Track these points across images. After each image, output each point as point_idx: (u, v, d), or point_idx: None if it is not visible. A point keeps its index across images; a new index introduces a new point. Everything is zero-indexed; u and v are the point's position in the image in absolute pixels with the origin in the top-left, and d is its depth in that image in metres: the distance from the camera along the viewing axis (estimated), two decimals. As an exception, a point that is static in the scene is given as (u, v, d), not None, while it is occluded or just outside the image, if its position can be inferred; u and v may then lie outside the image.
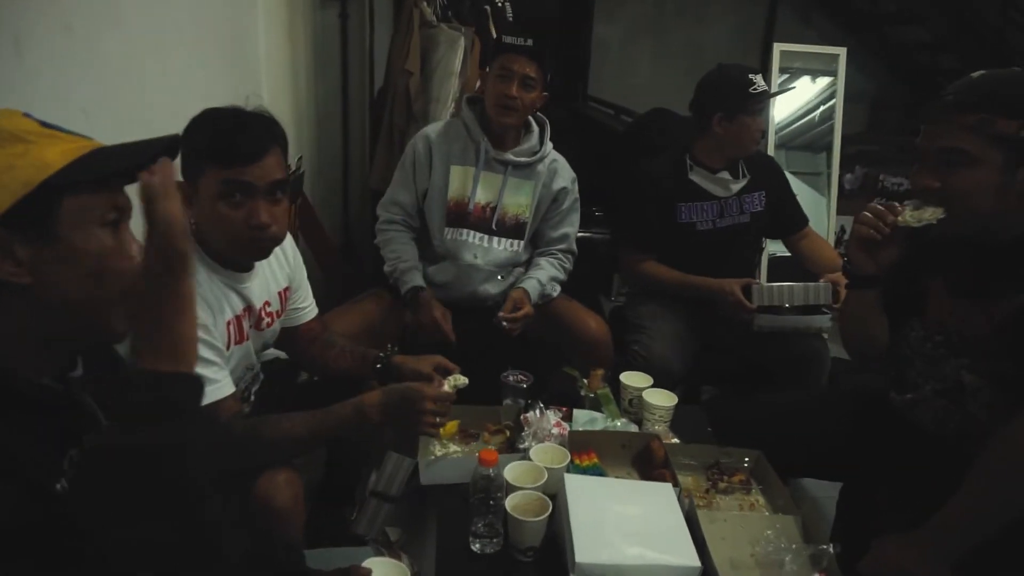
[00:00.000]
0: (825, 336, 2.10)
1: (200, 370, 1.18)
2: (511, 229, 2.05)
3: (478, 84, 2.79)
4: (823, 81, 3.36)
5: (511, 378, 1.68)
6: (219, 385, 1.24)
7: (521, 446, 1.48)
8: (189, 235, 0.74)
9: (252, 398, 1.50)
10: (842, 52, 3.31)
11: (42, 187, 0.72)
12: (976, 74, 1.23)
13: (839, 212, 3.37)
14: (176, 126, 1.22)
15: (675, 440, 1.61)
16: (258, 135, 1.23)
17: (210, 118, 1.23)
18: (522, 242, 2.07)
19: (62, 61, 1.22)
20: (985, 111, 1.17)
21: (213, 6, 1.89)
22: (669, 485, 1.34)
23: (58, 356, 0.82)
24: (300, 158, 2.57)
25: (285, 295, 1.52)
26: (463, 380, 1.45)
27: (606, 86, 5.74)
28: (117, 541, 0.68)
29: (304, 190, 2.60)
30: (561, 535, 1.23)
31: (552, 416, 1.53)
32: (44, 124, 0.77)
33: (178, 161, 0.91)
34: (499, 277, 2.05)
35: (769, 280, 3.00)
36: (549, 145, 2.06)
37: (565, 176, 2.09)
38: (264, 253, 1.33)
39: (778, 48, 3.28)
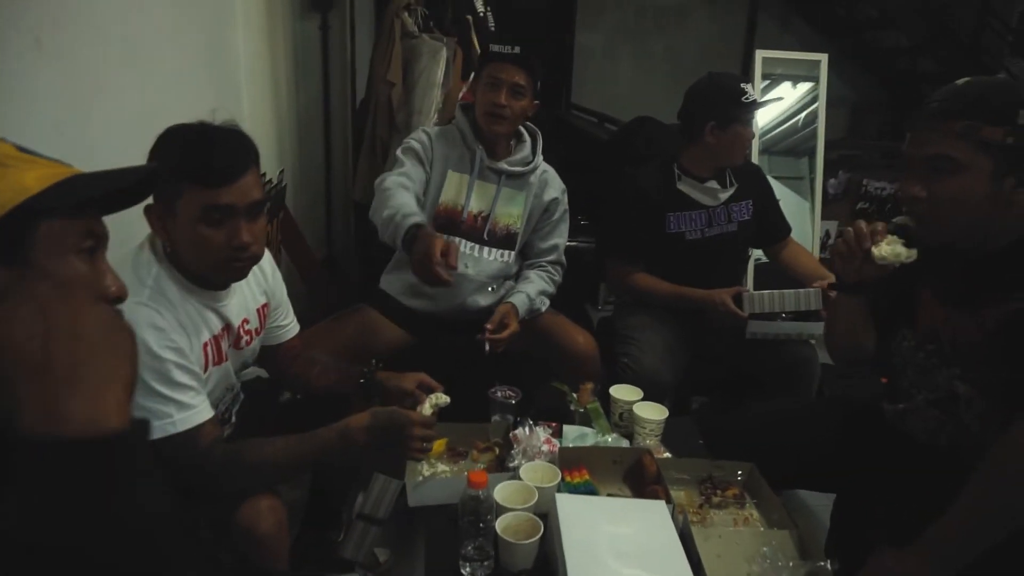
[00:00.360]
0: (813, 343, 2.10)
1: (176, 396, 1.17)
2: (502, 239, 2.01)
3: (460, 94, 2.76)
4: (804, 86, 3.37)
5: (499, 394, 1.64)
6: (196, 410, 1.19)
7: (511, 464, 1.45)
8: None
9: (233, 419, 1.46)
10: (823, 58, 3.33)
11: (18, 210, 0.70)
12: (961, 81, 1.23)
13: (823, 217, 3.39)
14: (152, 141, 1.18)
15: (667, 454, 1.60)
16: (235, 154, 1.19)
17: (180, 136, 1.18)
18: (513, 253, 2.03)
19: (32, 77, 1.19)
20: (971, 118, 1.16)
21: (191, 17, 1.85)
22: (662, 502, 1.31)
23: None
24: (282, 171, 2.53)
25: (264, 311, 1.49)
26: (445, 399, 1.42)
27: (588, 94, 5.76)
28: None
29: (286, 203, 2.56)
30: (553, 557, 1.20)
31: (542, 433, 1.50)
32: (21, 148, 0.75)
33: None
34: (490, 289, 1.99)
35: (756, 286, 3.01)
36: (541, 156, 2.04)
37: (556, 187, 2.06)
38: (243, 273, 1.30)
39: (760, 55, 3.29)
